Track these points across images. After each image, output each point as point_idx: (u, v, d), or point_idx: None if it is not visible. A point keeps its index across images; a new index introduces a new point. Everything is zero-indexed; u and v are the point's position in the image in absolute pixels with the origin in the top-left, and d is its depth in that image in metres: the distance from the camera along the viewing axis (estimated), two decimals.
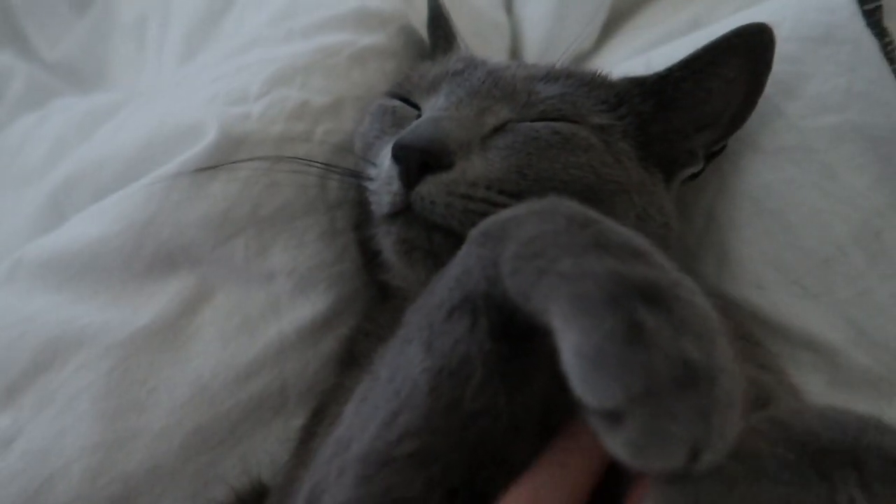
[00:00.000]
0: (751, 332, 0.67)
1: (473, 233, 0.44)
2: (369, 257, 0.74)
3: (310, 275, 0.71)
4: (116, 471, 0.58)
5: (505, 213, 0.44)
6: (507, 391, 0.40)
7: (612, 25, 1.07)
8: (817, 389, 0.68)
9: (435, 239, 0.58)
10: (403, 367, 0.43)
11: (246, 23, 0.94)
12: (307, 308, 0.70)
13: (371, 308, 0.74)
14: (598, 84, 0.70)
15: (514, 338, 0.40)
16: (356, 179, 0.69)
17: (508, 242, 0.40)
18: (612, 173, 0.62)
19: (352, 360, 0.66)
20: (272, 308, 0.69)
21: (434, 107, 0.65)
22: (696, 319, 0.33)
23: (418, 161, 0.57)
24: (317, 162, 0.73)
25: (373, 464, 0.41)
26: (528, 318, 0.37)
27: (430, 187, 0.57)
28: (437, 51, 0.89)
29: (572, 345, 0.32)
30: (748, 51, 0.66)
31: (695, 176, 0.72)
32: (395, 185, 0.59)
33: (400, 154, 0.58)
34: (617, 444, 0.31)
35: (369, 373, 0.47)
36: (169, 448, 0.61)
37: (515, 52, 1.14)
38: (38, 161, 0.91)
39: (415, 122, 0.62)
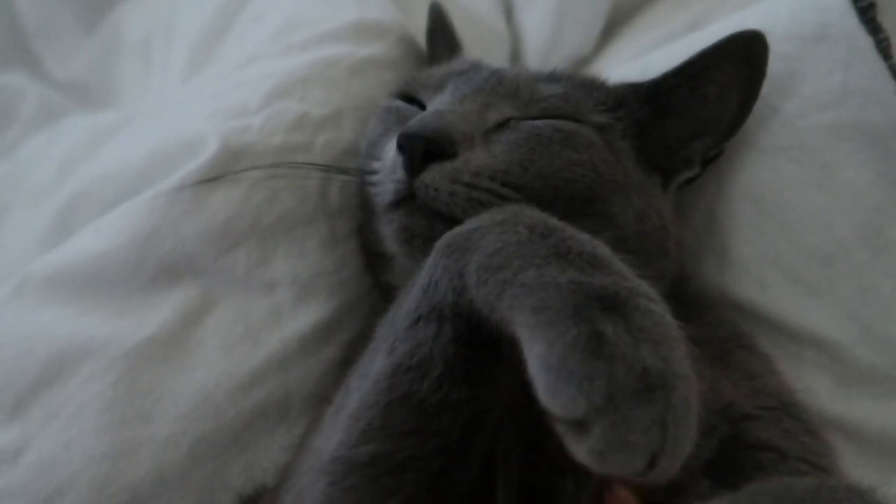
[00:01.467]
0: (741, 334, 0.66)
1: (438, 244, 0.45)
2: (371, 260, 0.75)
3: (311, 283, 0.72)
4: (123, 480, 0.59)
5: (468, 224, 0.45)
6: (469, 387, 0.42)
7: (612, 28, 1.08)
8: (823, 388, 0.68)
9: (436, 227, 0.58)
10: (369, 374, 0.44)
11: (247, 40, 0.95)
12: (309, 316, 0.71)
13: (372, 315, 0.75)
14: (597, 87, 0.71)
15: (479, 345, 0.41)
16: (359, 177, 0.70)
17: (473, 254, 0.41)
18: (611, 171, 0.63)
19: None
20: (274, 317, 0.70)
21: (439, 102, 0.66)
22: (653, 327, 0.35)
23: (423, 149, 0.58)
24: (319, 164, 0.74)
25: (338, 471, 0.43)
26: (495, 327, 0.38)
27: (433, 175, 0.58)
28: (438, 60, 0.89)
29: (537, 355, 0.33)
30: (742, 58, 0.67)
31: (691, 180, 0.72)
32: (399, 174, 0.60)
33: (405, 143, 0.59)
34: (582, 451, 0.32)
35: (344, 386, 0.48)
36: (175, 457, 0.61)
37: (516, 58, 1.15)
38: (47, 180, 0.92)
39: (420, 115, 0.63)
